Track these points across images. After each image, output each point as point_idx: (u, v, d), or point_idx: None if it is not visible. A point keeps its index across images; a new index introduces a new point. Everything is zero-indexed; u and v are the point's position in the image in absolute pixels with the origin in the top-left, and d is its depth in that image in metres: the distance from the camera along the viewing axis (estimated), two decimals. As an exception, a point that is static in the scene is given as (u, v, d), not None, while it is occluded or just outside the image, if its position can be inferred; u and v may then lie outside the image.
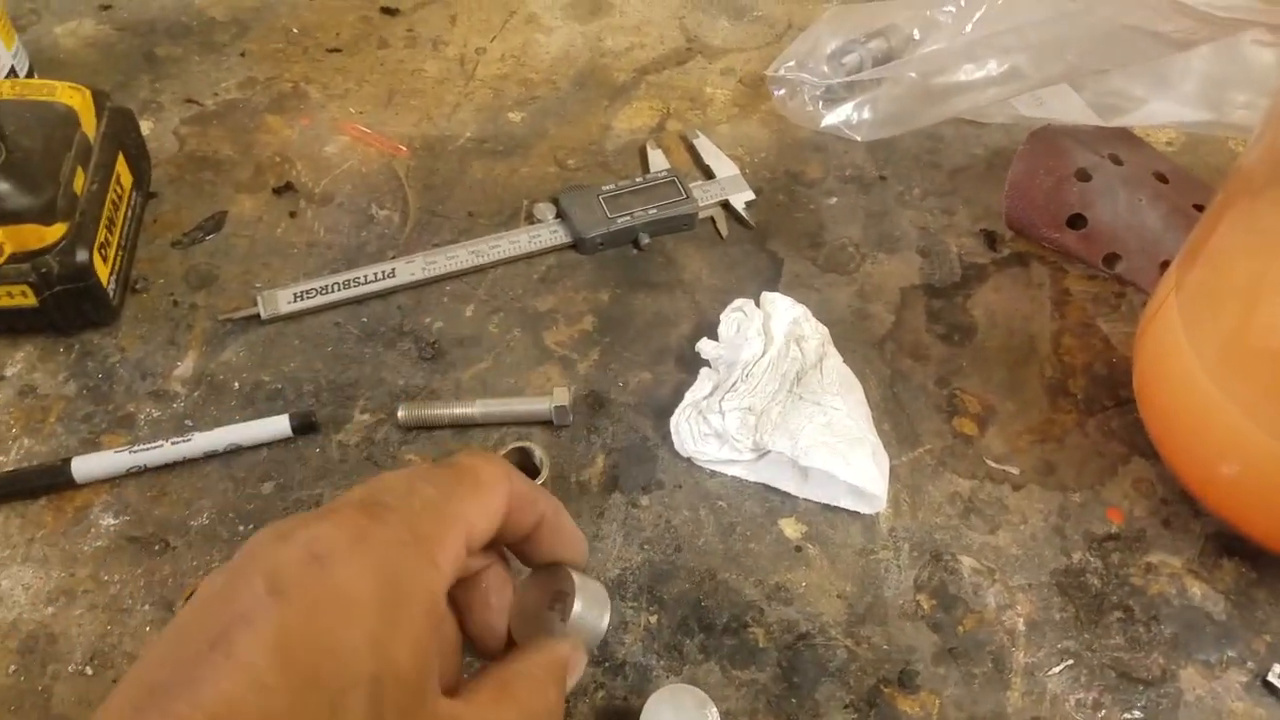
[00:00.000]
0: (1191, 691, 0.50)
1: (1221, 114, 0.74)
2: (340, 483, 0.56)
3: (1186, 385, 0.51)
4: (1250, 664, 0.51)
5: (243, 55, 0.82)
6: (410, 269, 0.65)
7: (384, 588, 0.30)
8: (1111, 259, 0.69)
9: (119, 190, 0.63)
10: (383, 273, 0.65)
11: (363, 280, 0.64)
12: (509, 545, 0.38)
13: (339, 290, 0.64)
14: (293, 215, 0.70)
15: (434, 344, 0.62)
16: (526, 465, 0.54)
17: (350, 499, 0.32)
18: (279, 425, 0.56)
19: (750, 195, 0.73)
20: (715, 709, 0.46)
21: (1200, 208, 0.63)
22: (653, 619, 0.51)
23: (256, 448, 0.57)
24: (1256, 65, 0.70)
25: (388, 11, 0.87)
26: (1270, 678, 0.50)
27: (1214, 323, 0.51)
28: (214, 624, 0.28)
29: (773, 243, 0.70)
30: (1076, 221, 0.69)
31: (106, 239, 0.61)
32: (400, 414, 0.58)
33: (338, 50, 0.83)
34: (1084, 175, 0.69)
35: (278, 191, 0.71)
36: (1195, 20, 0.60)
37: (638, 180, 0.71)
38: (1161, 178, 0.70)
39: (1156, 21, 0.61)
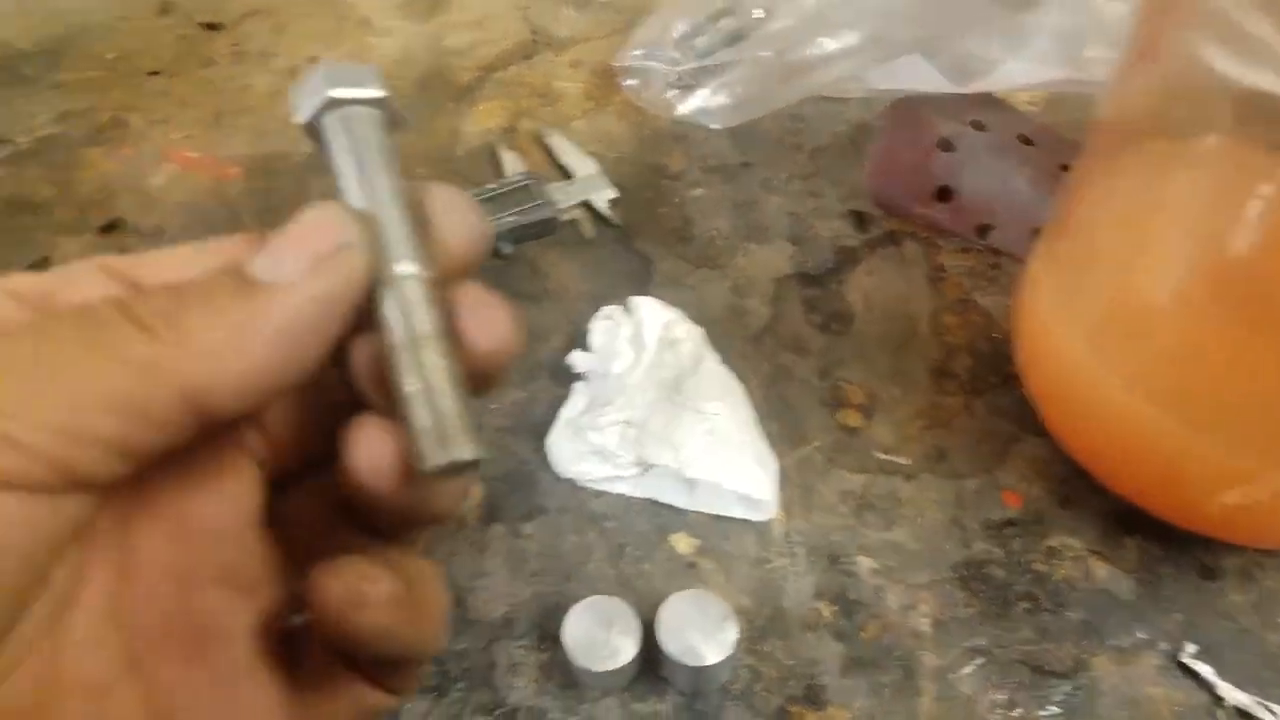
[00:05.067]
0: (1107, 680, 0.48)
1: (1079, 69, 0.73)
2: None
3: (1066, 359, 0.50)
4: (1163, 645, 0.50)
5: (56, 87, 0.76)
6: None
7: None
8: (983, 229, 0.67)
9: (-83, 249, 0.58)
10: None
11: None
12: None
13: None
14: (122, 254, 0.64)
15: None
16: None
17: None
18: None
19: (612, 193, 0.70)
20: (735, 623, 0.46)
21: (1066, 168, 0.62)
22: (544, 656, 0.48)
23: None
24: (1108, 16, 0.70)
25: (209, 27, 0.81)
26: (1183, 658, 0.49)
27: (1086, 292, 0.49)
28: None
29: (640, 241, 0.68)
30: (944, 194, 0.67)
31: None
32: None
33: (157, 73, 0.77)
34: (947, 145, 0.68)
35: (104, 230, 0.66)
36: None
37: (490, 187, 0.68)
38: (1026, 140, 0.69)
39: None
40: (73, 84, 0.76)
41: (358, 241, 0.23)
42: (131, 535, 0.24)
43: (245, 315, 0.21)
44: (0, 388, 0.20)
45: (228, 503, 0.25)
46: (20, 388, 0.20)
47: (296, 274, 0.22)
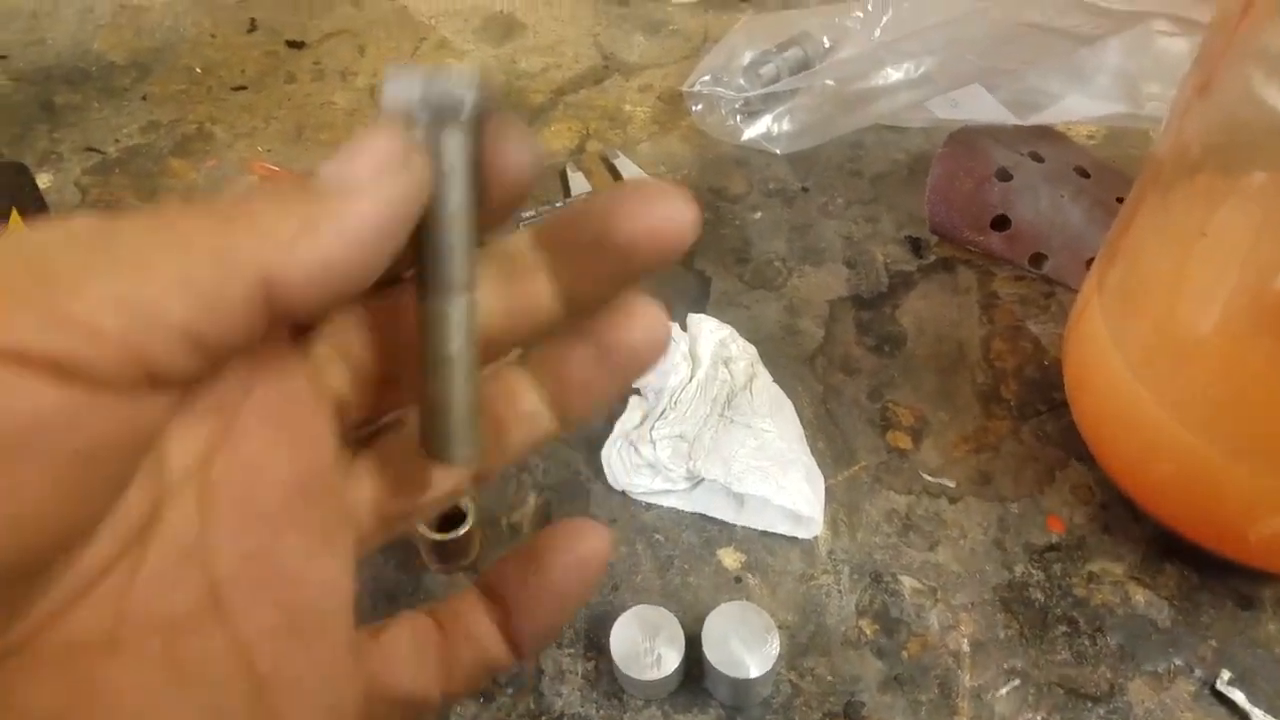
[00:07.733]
0: (1141, 705, 0.49)
1: (1137, 106, 0.74)
2: None
3: (1114, 385, 0.50)
4: (1198, 672, 0.50)
5: (144, 99, 0.79)
6: (323, 314, 0.63)
7: None
8: (1038, 259, 0.68)
9: (13, 250, 0.61)
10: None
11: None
12: None
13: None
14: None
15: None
16: (453, 513, 0.52)
17: None
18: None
19: (674, 214, 0.72)
20: (778, 636, 0.47)
21: (1122, 200, 0.62)
22: (590, 665, 0.50)
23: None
24: (1167, 56, 0.70)
25: (293, 45, 0.85)
26: (1219, 686, 0.49)
27: (1135, 320, 0.50)
28: None
29: (699, 261, 0.69)
30: (1000, 223, 0.68)
31: (1, 303, 0.58)
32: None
33: (243, 88, 0.81)
34: (1004, 175, 0.69)
35: (184, 240, 0.69)
36: (1095, 15, 0.60)
37: (557, 204, 0.70)
38: (1083, 172, 0.70)
39: (1056, 18, 0.61)
40: (161, 96, 0.80)
41: (418, 162, 0.22)
42: (211, 470, 0.23)
43: (316, 210, 0.21)
44: (63, 265, 0.18)
45: (307, 444, 0.24)
46: (85, 267, 0.18)
47: (363, 181, 0.21)
